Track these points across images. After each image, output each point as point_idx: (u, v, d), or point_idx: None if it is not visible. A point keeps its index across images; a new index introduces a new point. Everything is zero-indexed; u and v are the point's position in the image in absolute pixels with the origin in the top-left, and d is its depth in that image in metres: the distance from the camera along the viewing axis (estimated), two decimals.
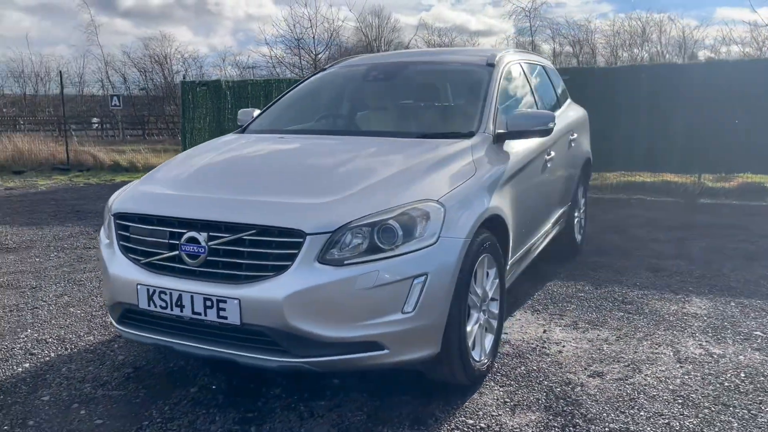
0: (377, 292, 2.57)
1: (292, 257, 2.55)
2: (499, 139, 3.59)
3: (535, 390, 3.08)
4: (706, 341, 3.65)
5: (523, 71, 4.54)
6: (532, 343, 3.66)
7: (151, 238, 2.82)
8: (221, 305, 2.60)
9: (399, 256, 2.61)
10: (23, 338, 3.82)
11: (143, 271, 2.80)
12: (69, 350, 3.64)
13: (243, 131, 4.11)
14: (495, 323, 3.33)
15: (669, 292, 4.59)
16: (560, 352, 3.54)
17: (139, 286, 2.78)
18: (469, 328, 2.98)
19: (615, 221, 7.35)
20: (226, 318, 2.60)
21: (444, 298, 2.71)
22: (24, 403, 3.01)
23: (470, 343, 3.00)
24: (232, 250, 2.64)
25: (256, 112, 4.33)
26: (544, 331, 3.85)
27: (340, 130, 3.89)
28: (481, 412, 2.87)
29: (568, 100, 5.69)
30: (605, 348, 3.58)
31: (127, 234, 2.91)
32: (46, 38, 59.76)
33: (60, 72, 16.07)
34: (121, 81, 31.99)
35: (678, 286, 4.75)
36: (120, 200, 3.07)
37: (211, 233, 2.67)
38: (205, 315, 2.64)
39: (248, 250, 2.62)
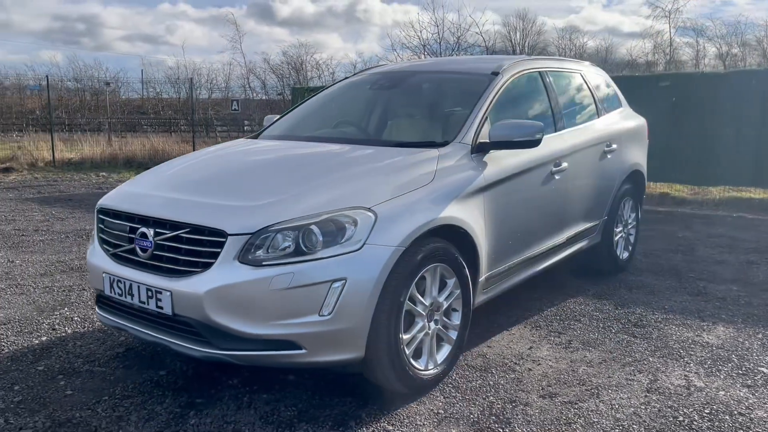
0: (293, 294, 2.68)
1: (215, 255, 2.73)
2: (480, 149, 3.55)
3: (475, 405, 3.03)
4: (696, 373, 3.37)
5: (543, 80, 4.40)
6: (508, 359, 3.57)
7: (117, 232, 3.12)
8: (158, 296, 2.84)
9: (318, 260, 2.71)
10: (56, 315, 4.33)
11: (109, 261, 3.11)
12: (86, 329, 4.08)
13: (256, 136, 4.37)
14: (454, 334, 3.30)
15: (695, 317, 4.25)
16: (530, 369, 3.43)
17: (104, 274, 3.10)
18: (408, 336, 3.00)
19: (690, 240, 6.83)
20: (162, 308, 2.83)
21: (365, 304, 2.76)
22: (22, 370, 3.43)
23: (409, 351, 3.01)
24: (172, 246, 2.87)
25: (276, 117, 4.58)
26: (530, 348, 3.74)
27: (326, 137, 4.01)
28: (406, 420, 2.88)
29: (619, 110, 5.40)
30: (580, 370, 3.42)
31: (103, 227, 3.25)
32: (215, 46, 65.50)
33: (190, 79, 17.49)
34: (260, 86, 34.04)
35: (711, 312, 4.37)
36: (105, 197, 3.42)
37: (157, 229, 2.92)
38: (148, 304, 2.89)
39: (184, 246, 2.83)
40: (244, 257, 2.70)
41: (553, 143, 4.16)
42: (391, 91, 4.31)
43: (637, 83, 10.25)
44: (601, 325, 4.13)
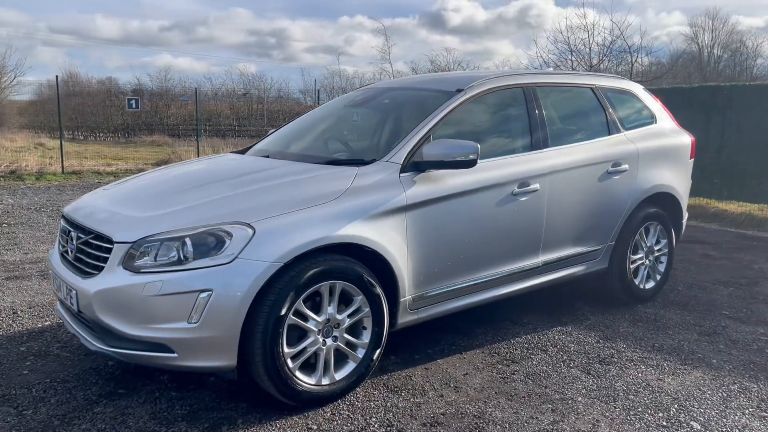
0: (163, 300, 2.88)
1: (106, 260, 3.02)
2: (415, 168, 3.51)
3: (351, 424, 3.03)
4: (611, 419, 3.07)
5: (527, 96, 4.20)
6: (432, 383, 3.49)
7: (63, 235, 3.53)
8: (71, 293, 3.18)
9: (187, 270, 2.89)
10: None
11: (57, 260, 3.53)
12: None
13: (243, 151, 4.62)
14: (361, 352, 3.32)
15: (677, 359, 3.83)
16: (441, 396, 3.34)
17: (51, 272, 3.52)
18: (292, 350, 3.06)
19: (764, 273, 6.04)
20: (72, 304, 3.18)
21: (233, 315, 2.88)
22: (5, 348, 3.97)
23: (294, 364, 3.08)
24: (84, 249, 3.21)
25: (271, 131, 4.83)
26: (465, 374, 3.62)
27: (277, 152, 4.15)
28: (260, 430, 2.97)
29: (647, 127, 4.96)
30: (492, 403, 3.26)
31: (59, 230, 3.68)
32: (386, 56, 68.54)
33: (318, 90, 18.30)
34: None
35: (703, 355, 3.92)
36: (68, 204, 3.86)
37: (79, 234, 3.28)
38: (68, 300, 3.25)
39: (92, 251, 3.15)
40: (127, 263, 2.96)
41: (521, 163, 3.99)
42: (358, 109, 4.37)
43: None
44: (564, 358, 3.87)
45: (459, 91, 3.95)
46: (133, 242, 2.96)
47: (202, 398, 3.30)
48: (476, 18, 66.48)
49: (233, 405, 3.22)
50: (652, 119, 5.07)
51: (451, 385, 3.47)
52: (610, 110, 4.74)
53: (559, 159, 4.20)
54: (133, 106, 18.06)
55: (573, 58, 20.29)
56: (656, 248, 4.99)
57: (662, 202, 4.96)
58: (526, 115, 4.18)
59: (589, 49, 21.02)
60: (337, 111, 4.60)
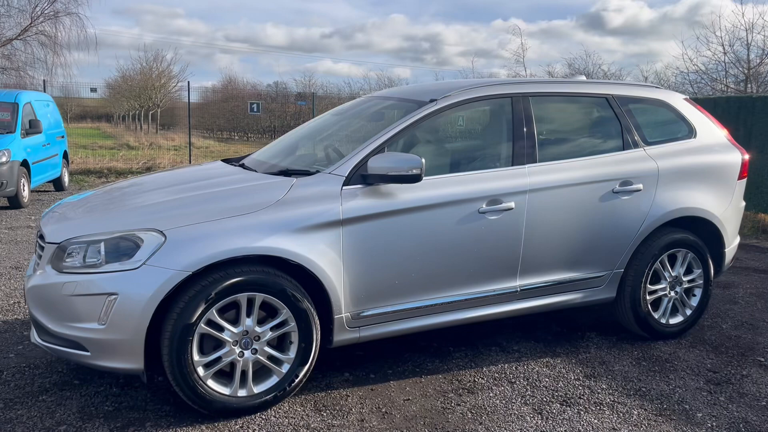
0: (77, 301, 3.02)
1: (44, 259, 3.22)
2: (361, 181, 3.40)
3: None
4: None
5: (515, 107, 3.90)
6: (362, 405, 3.36)
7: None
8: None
9: (99, 273, 3.00)
10: None
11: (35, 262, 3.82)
12: None
13: (238, 159, 4.70)
14: (286, 367, 3.26)
15: (652, 410, 3.37)
16: (363, 421, 3.18)
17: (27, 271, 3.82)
18: (203, 358, 3.08)
19: None
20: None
21: (137, 320, 2.95)
22: (7, 332, 4.35)
23: (205, 373, 3.09)
24: (38, 249, 3.44)
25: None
26: (406, 400, 3.43)
27: (253, 161, 4.14)
28: None
29: (682, 141, 4.39)
30: None
31: None
32: (543, 58, 67.62)
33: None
34: None
35: (689, 406, 3.42)
36: None
37: (40, 234, 3.52)
38: None
39: (39, 251, 3.38)
40: (54, 263, 3.13)
41: (492, 179, 3.71)
42: (338, 118, 4.28)
43: None
44: (526, 393, 3.54)
45: (432, 101, 3.75)
46: (59, 243, 3.13)
47: (136, 397, 3.41)
48: (640, 18, 62.93)
49: (158, 407, 3.30)
50: (689, 133, 4.49)
51: (382, 410, 3.31)
52: (629, 123, 4.26)
53: (546, 176, 3.85)
54: (255, 110, 19.11)
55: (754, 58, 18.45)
56: (686, 279, 4.41)
57: (694, 226, 4.38)
58: (509, 127, 3.88)
59: None
60: (325, 121, 4.56)
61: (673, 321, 4.41)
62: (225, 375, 3.20)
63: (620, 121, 4.25)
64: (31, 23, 17.27)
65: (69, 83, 20.82)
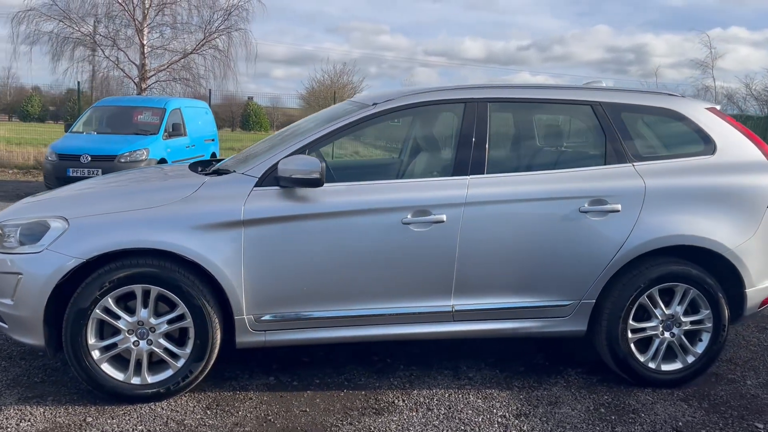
0: (0, 277, 3.33)
1: None
2: (274, 183, 3.37)
3: (122, 422, 3.09)
4: None
5: (465, 115, 3.59)
6: (245, 411, 3.31)
7: None
8: None
9: (14, 254, 3.30)
10: None
11: None
12: None
13: None
14: (180, 362, 3.34)
15: None
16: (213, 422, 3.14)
17: None
18: (98, 342, 3.26)
19: None
20: None
21: (36, 300, 3.21)
22: None
23: (100, 356, 3.26)
24: None
25: None
26: (287, 411, 3.33)
27: (226, 162, 4.23)
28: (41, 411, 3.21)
29: (695, 157, 3.73)
30: None
31: None
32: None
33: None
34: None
35: None
36: None
37: None
38: None
39: None
40: None
41: (421, 189, 3.48)
42: (311, 122, 4.24)
43: None
44: (430, 423, 3.25)
45: (374, 104, 3.61)
46: None
47: (37, 373, 3.67)
48: None
49: (77, 386, 3.52)
50: (707, 150, 3.79)
51: (268, 418, 3.24)
52: (617, 134, 3.72)
53: (491, 188, 3.51)
54: None
55: None
56: (687, 319, 3.73)
57: (700, 258, 3.71)
58: (456, 135, 3.59)
59: None
60: (298, 125, 4.53)
61: (666, 367, 3.75)
62: (124, 361, 3.34)
63: (605, 131, 3.73)
64: (205, 38, 19.21)
65: (277, 95, 22.62)
